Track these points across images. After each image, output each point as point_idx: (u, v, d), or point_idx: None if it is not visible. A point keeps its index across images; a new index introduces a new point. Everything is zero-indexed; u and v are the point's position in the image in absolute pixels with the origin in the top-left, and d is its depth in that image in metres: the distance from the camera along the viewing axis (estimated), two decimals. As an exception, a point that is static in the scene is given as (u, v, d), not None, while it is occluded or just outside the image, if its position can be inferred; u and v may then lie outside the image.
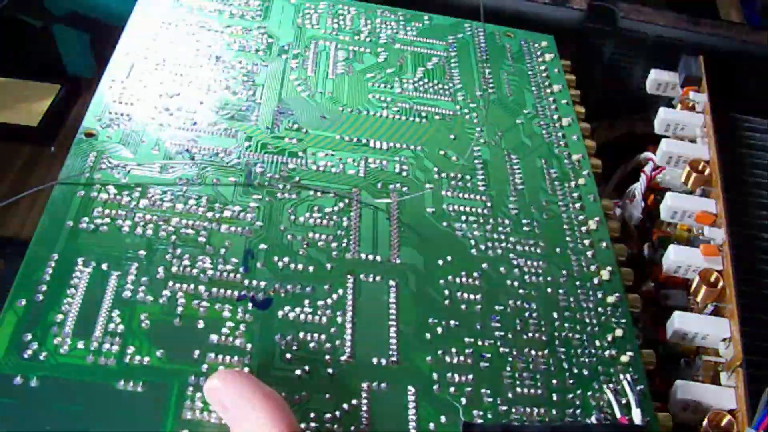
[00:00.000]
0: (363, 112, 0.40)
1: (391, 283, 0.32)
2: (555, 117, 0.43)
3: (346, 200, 0.35)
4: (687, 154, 0.44)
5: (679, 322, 0.36)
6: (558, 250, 0.36)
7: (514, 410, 0.29)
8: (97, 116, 0.36)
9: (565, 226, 0.37)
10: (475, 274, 0.33)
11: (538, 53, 0.47)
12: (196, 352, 0.28)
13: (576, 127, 0.43)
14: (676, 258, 0.38)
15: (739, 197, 0.42)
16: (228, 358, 0.28)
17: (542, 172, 0.39)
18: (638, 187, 0.45)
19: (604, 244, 0.36)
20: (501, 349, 0.31)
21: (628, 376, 0.31)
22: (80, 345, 0.27)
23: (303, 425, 0.26)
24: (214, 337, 0.28)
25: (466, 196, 0.37)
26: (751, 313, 0.36)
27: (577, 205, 0.38)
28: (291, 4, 0.46)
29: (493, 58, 0.46)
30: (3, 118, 0.59)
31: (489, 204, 0.37)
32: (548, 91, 0.44)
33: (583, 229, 0.37)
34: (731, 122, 0.46)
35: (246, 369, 0.28)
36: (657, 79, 0.50)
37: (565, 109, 0.44)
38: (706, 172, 0.42)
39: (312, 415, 0.27)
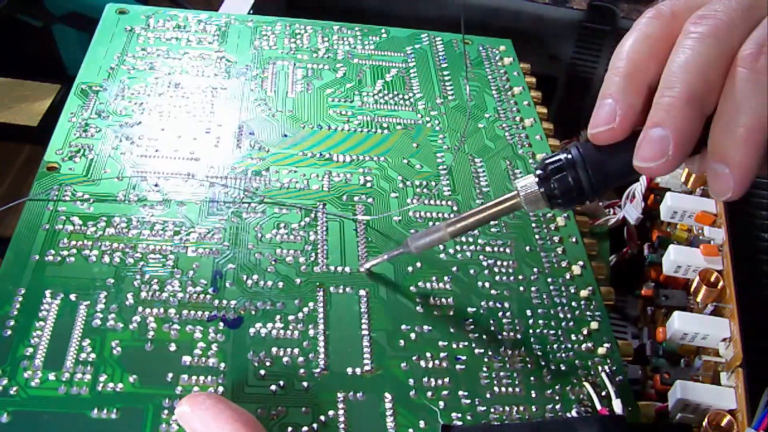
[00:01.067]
0: (324, 127, 0.41)
1: (362, 292, 0.32)
2: (517, 119, 0.43)
3: (313, 214, 0.35)
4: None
5: (679, 322, 0.36)
6: (528, 248, 0.36)
7: (493, 410, 0.29)
8: (59, 150, 0.36)
9: (533, 225, 0.37)
10: (445, 278, 0.34)
11: (497, 58, 0.48)
12: (170, 375, 0.28)
13: (539, 127, 0.43)
14: (676, 258, 0.38)
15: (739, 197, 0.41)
16: (202, 378, 0.28)
17: (507, 173, 0.40)
18: (638, 187, 0.45)
19: (574, 239, 0.36)
20: (476, 351, 0.31)
21: (606, 367, 0.31)
22: (51, 376, 0.27)
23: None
24: (186, 359, 0.29)
25: (432, 202, 0.37)
26: (751, 313, 0.36)
27: None
28: (248, 27, 0.47)
29: (452, 65, 0.47)
30: (3, 118, 0.59)
31: (455, 208, 0.37)
32: (509, 94, 0.45)
33: (552, 226, 0.37)
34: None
35: (220, 389, 0.28)
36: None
37: (527, 110, 0.44)
38: (706, 172, 0.42)
39: (290, 429, 0.27)
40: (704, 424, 0.31)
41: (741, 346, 0.34)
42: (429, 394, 0.29)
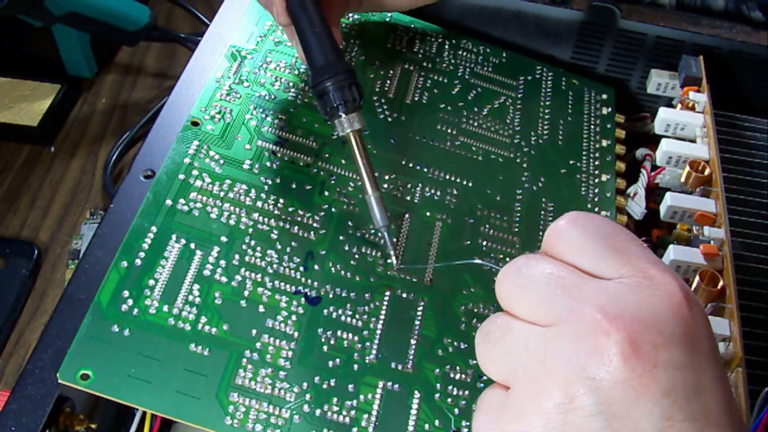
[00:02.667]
0: (429, 140, 0.45)
1: (420, 301, 0.38)
2: (596, 172, 0.47)
3: (398, 221, 0.40)
4: (687, 154, 0.45)
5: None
6: None
7: None
8: (203, 107, 0.41)
9: None
10: (491, 306, 0.39)
11: (597, 105, 0.51)
12: (254, 332, 0.34)
13: (612, 183, 0.47)
14: (676, 258, 0.40)
15: (739, 197, 0.43)
16: (278, 341, 0.34)
17: None
18: (640, 184, 0.46)
19: None
20: None
21: None
22: (165, 308, 0.33)
23: (326, 407, 0.33)
24: (269, 322, 0.34)
25: (500, 234, 0.42)
26: (751, 313, 0.37)
27: None
28: (385, 23, 0.50)
29: (554, 102, 0.50)
30: (3, 118, 0.60)
31: (518, 246, 0.42)
32: (597, 145, 0.48)
33: None
34: (731, 122, 0.47)
35: (290, 353, 0.34)
36: (657, 79, 0.51)
37: (607, 165, 0.48)
38: (706, 172, 0.44)
39: (335, 399, 0.33)
40: None
41: (741, 346, 0.35)
42: (449, 400, 0.35)
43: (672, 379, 0.22)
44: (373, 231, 0.39)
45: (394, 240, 0.39)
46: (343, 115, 0.37)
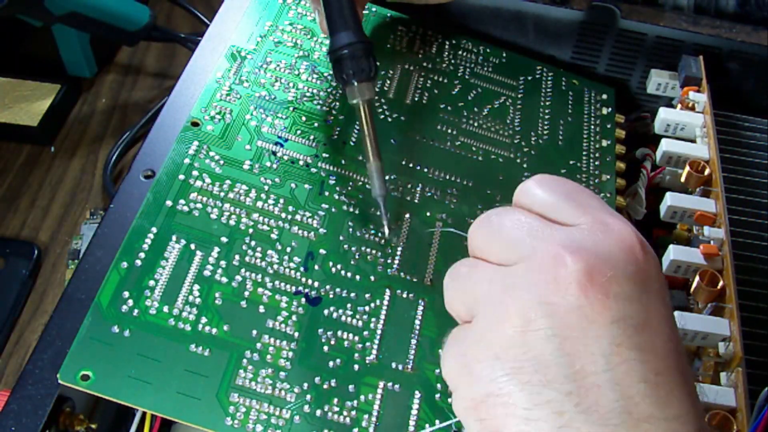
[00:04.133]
0: (429, 140, 0.45)
1: (420, 301, 0.38)
2: (596, 172, 0.47)
3: (398, 221, 0.40)
4: (687, 154, 0.45)
5: (679, 321, 0.37)
6: None
7: None
8: (203, 108, 0.41)
9: None
10: None
11: (597, 105, 0.51)
12: (254, 332, 0.34)
13: (612, 183, 0.47)
14: (676, 258, 0.40)
15: (739, 197, 0.43)
16: (278, 341, 0.34)
17: None
18: (640, 184, 0.46)
19: None
20: None
21: None
22: (165, 309, 0.33)
23: (327, 407, 0.33)
24: (270, 322, 0.35)
25: None
26: (751, 313, 0.37)
27: None
28: (386, 23, 0.51)
29: (554, 103, 0.50)
30: (3, 118, 0.60)
31: None
32: (597, 146, 0.49)
33: None
34: (731, 122, 0.47)
35: (290, 353, 0.34)
36: (657, 79, 0.51)
37: (607, 165, 0.48)
38: (706, 172, 0.44)
39: (335, 400, 0.33)
40: None
41: (741, 346, 0.36)
42: (450, 400, 0.33)
43: (622, 310, 0.24)
44: (373, 230, 0.39)
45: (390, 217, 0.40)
46: (356, 84, 0.38)
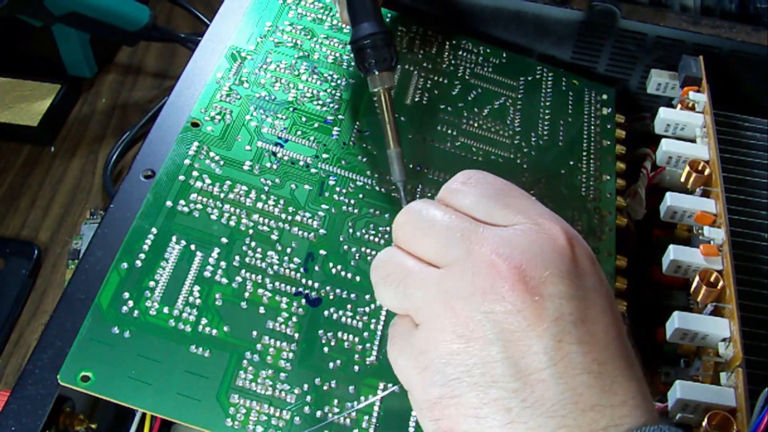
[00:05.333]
0: (429, 140, 0.44)
1: None
2: (596, 172, 0.47)
3: None
4: (687, 154, 0.45)
5: (679, 322, 0.37)
6: None
7: None
8: (203, 108, 0.41)
9: None
10: None
11: (597, 105, 0.51)
12: (254, 333, 0.34)
13: (612, 183, 0.47)
14: (676, 258, 0.40)
15: (739, 197, 0.43)
16: (278, 342, 0.34)
17: (571, 223, 0.42)
18: (640, 184, 0.46)
19: None
20: None
21: None
22: (165, 310, 0.33)
23: (327, 408, 0.33)
24: (270, 323, 0.35)
25: None
26: (751, 313, 0.37)
27: None
28: (386, 22, 0.49)
29: (555, 103, 0.50)
30: (3, 118, 0.60)
31: None
32: (597, 146, 0.49)
33: None
34: (731, 122, 0.47)
35: (291, 355, 0.34)
36: (657, 79, 0.51)
37: (608, 165, 0.48)
38: (706, 172, 0.44)
39: (335, 401, 0.33)
40: (704, 424, 0.33)
41: (741, 346, 0.35)
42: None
43: (559, 309, 0.25)
44: (373, 232, 0.39)
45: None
46: (377, 72, 0.39)
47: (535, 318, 0.25)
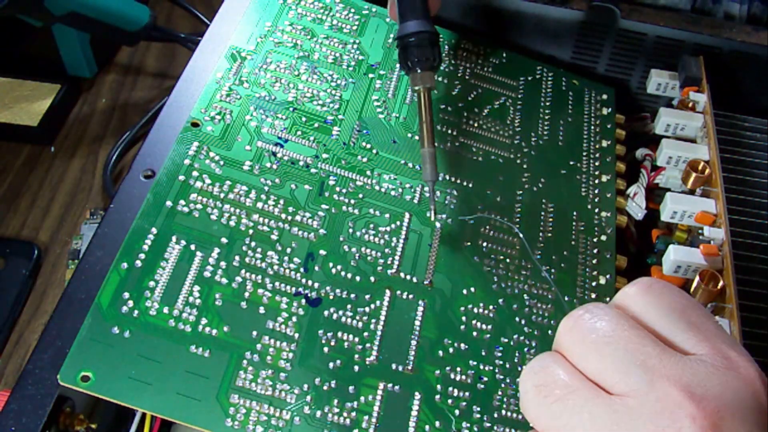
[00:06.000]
0: None
1: (420, 302, 0.38)
2: (596, 173, 0.47)
3: (398, 222, 0.40)
4: (687, 154, 0.45)
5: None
6: (567, 298, 0.41)
7: (496, 428, 0.35)
8: (203, 108, 0.41)
9: (579, 279, 0.42)
10: (491, 306, 0.39)
11: (597, 105, 0.51)
12: (254, 333, 0.34)
13: (612, 184, 0.47)
14: (676, 258, 0.40)
15: (739, 197, 0.43)
16: (278, 342, 0.34)
17: (571, 224, 0.44)
18: (640, 184, 0.46)
19: (608, 299, 0.41)
20: (498, 376, 0.37)
21: None
22: (165, 310, 0.33)
23: (327, 408, 0.33)
24: (270, 323, 0.35)
25: (501, 236, 0.42)
26: (751, 313, 0.37)
27: (594, 261, 0.43)
28: (386, 23, 0.50)
29: (555, 103, 0.50)
30: (3, 118, 0.60)
31: (518, 247, 0.42)
32: (597, 146, 0.49)
33: (594, 283, 0.42)
34: (731, 122, 0.47)
35: (290, 355, 0.34)
36: (657, 79, 0.51)
37: (607, 166, 0.48)
38: (706, 172, 0.44)
39: (335, 401, 0.33)
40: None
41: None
42: (450, 401, 0.35)
43: None
44: (373, 232, 0.39)
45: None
46: (419, 71, 0.39)
47: None
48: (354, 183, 0.41)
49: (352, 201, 0.40)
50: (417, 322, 0.37)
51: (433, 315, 0.37)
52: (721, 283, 0.38)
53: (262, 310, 0.35)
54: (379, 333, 0.36)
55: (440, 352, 0.36)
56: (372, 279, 0.37)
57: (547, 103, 0.50)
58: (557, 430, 0.23)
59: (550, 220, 0.43)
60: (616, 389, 0.23)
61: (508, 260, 0.41)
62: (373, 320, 0.36)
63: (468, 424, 0.34)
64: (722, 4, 0.55)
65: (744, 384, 0.22)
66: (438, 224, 0.41)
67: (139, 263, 0.34)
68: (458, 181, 0.43)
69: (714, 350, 0.23)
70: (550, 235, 0.43)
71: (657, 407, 0.22)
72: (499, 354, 0.37)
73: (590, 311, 0.24)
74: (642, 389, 0.22)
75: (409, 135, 0.44)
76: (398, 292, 0.37)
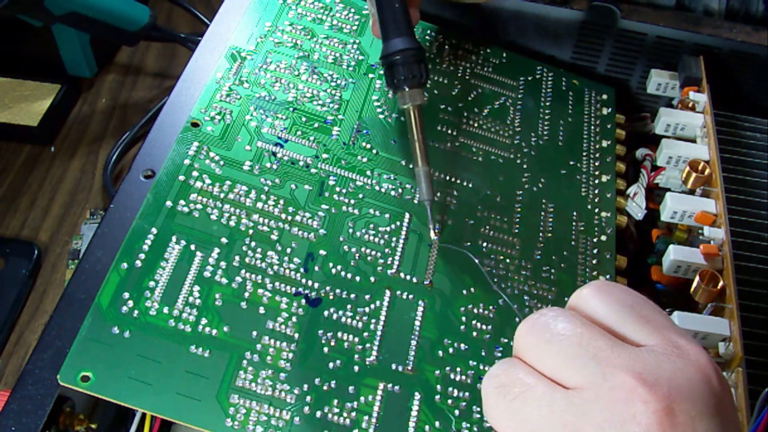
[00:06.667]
0: (429, 141, 0.44)
1: (420, 302, 0.38)
2: (596, 173, 0.47)
3: (398, 222, 0.40)
4: (687, 154, 0.45)
5: (679, 322, 0.37)
6: (566, 299, 0.39)
7: None
8: (203, 108, 0.41)
9: (579, 280, 0.42)
10: (491, 307, 0.39)
11: (597, 105, 0.51)
12: (254, 333, 0.34)
13: (612, 184, 0.47)
14: (676, 258, 0.40)
15: (739, 197, 0.43)
16: (278, 342, 0.34)
17: (571, 224, 0.44)
18: (640, 184, 0.46)
19: None
20: None
21: None
22: (165, 310, 0.33)
23: (327, 409, 0.33)
24: (270, 323, 0.35)
25: (501, 236, 0.42)
26: (751, 313, 0.37)
27: (594, 261, 0.43)
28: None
29: (555, 103, 0.50)
30: (3, 118, 0.60)
31: (518, 247, 0.42)
32: (597, 146, 0.48)
33: None
34: (731, 122, 0.47)
35: (290, 355, 0.34)
36: (657, 79, 0.51)
37: (607, 165, 0.48)
38: (706, 172, 0.44)
39: (335, 401, 0.33)
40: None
41: (741, 346, 0.36)
42: (450, 401, 0.35)
43: None
44: (372, 232, 0.39)
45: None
46: (407, 89, 0.39)
47: None
48: (354, 183, 0.41)
49: (352, 201, 0.40)
50: (417, 323, 0.37)
51: (433, 315, 0.37)
52: (721, 283, 0.38)
53: (262, 310, 0.35)
54: (379, 333, 0.36)
55: (440, 353, 0.36)
56: (372, 279, 0.37)
57: (547, 103, 0.50)
58: (518, 426, 0.24)
59: (550, 220, 0.43)
60: (572, 383, 0.23)
61: (508, 260, 0.41)
62: (373, 320, 0.36)
63: (468, 424, 0.34)
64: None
65: (695, 369, 0.23)
66: (438, 224, 0.41)
67: (139, 263, 0.34)
68: (458, 181, 0.43)
69: (664, 340, 0.24)
70: (550, 235, 0.43)
71: (611, 395, 0.22)
72: (499, 354, 0.37)
73: (544, 314, 0.25)
74: (596, 380, 0.23)
75: (409, 136, 0.44)
76: (398, 293, 0.37)
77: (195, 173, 0.38)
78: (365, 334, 0.36)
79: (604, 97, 0.52)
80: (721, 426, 0.22)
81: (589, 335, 0.24)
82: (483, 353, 0.37)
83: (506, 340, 0.38)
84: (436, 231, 0.40)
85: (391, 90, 0.40)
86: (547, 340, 0.24)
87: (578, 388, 0.23)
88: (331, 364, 0.34)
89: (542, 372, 0.24)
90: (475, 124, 0.47)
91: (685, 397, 0.22)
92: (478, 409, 0.35)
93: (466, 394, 0.35)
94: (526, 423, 0.24)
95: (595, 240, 0.43)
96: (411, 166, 0.43)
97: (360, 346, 0.35)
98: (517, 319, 0.39)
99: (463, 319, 0.38)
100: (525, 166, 0.46)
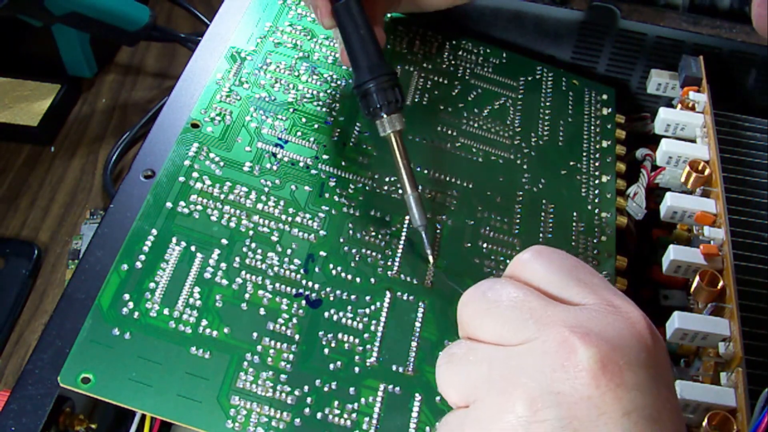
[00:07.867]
0: (429, 141, 0.44)
1: (421, 304, 0.38)
2: (596, 173, 0.47)
3: (398, 224, 0.40)
4: (687, 154, 0.45)
5: (679, 322, 0.37)
6: None
7: None
8: (203, 109, 0.41)
9: None
10: None
11: (598, 105, 0.51)
12: (255, 335, 0.34)
13: (612, 184, 0.47)
14: (676, 258, 0.40)
15: (739, 197, 0.43)
16: (278, 344, 0.34)
17: (571, 224, 0.44)
18: (640, 184, 0.46)
19: None
20: None
21: None
22: (166, 311, 0.33)
23: (327, 410, 0.33)
24: (270, 325, 0.34)
25: (501, 236, 0.42)
26: (751, 313, 0.37)
27: (594, 261, 0.43)
28: (386, 22, 0.50)
29: (555, 103, 0.50)
30: (3, 118, 0.60)
31: (518, 247, 0.42)
32: (597, 146, 0.48)
33: None
34: (731, 122, 0.47)
35: (291, 356, 0.34)
36: (657, 79, 0.51)
37: (607, 166, 0.48)
38: (706, 172, 0.44)
39: (336, 403, 0.33)
40: (704, 424, 0.33)
41: (741, 346, 0.36)
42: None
43: (634, 401, 0.23)
44: (373, 233, 0.39)
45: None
46: (385, 116, 0.38)
47: (607, 407, 0.22)
48: (354, 184, 0.41)
49: (353, 202, 0.40)
50: (417, 324, 0.37)
51: (434, 316, 0.37)
52: (721, 283, 0.38)
53: (262, 311, 0.35)
54: (379, 334, 0.36)
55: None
56: (372, 280, 0.37)
57: (547, 103, 0.50)
58: (462, 387, 0.25)
59: (551, 220, 0.43)
60: (511, 342, 0.24)
61: (508, 261, 0.40)
62: (374, 321, 0.36)
63: None
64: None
65: (627, 324, 0.24)
66: (438, 225, 0.41)
67: (139, 265, 0.34)
68: (458, 182, 0.43)
69: (600, 299, 0.25)
70: (550, 235, 0.43)
71: (544, 347, 0.23)
72: None
73: (480, 286, 0.26)
74: (531, 336, 0.24)
75: (410, 137, 0.44)
76: (398, 294, 0.37)
77: (195, 174, 0.38)
78: (366, 335, 0.35)
79: (604, 97, 0.52)
80: (651, 379, 0.23)
81: (524, 297, 0.25)
82: None
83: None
84: (434, 254, 0.39)
85: (369, 118, 0.39)
86: (485, 309, 0.25)
87: (516, 345, 0.24)
88: (331, 366, 0.34)
89: (484, 340, 0.25)
90: (475, 125, 0.47)
91: (615, 347, 0.23)
92: None
93: None
94: (467, 381, 0.25)
95: (595, 240, 0.43)
96: (412, 165, 0.43)
97: (360, 348, 0.35)
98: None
99: None
100: (525, 167, 0.46)
